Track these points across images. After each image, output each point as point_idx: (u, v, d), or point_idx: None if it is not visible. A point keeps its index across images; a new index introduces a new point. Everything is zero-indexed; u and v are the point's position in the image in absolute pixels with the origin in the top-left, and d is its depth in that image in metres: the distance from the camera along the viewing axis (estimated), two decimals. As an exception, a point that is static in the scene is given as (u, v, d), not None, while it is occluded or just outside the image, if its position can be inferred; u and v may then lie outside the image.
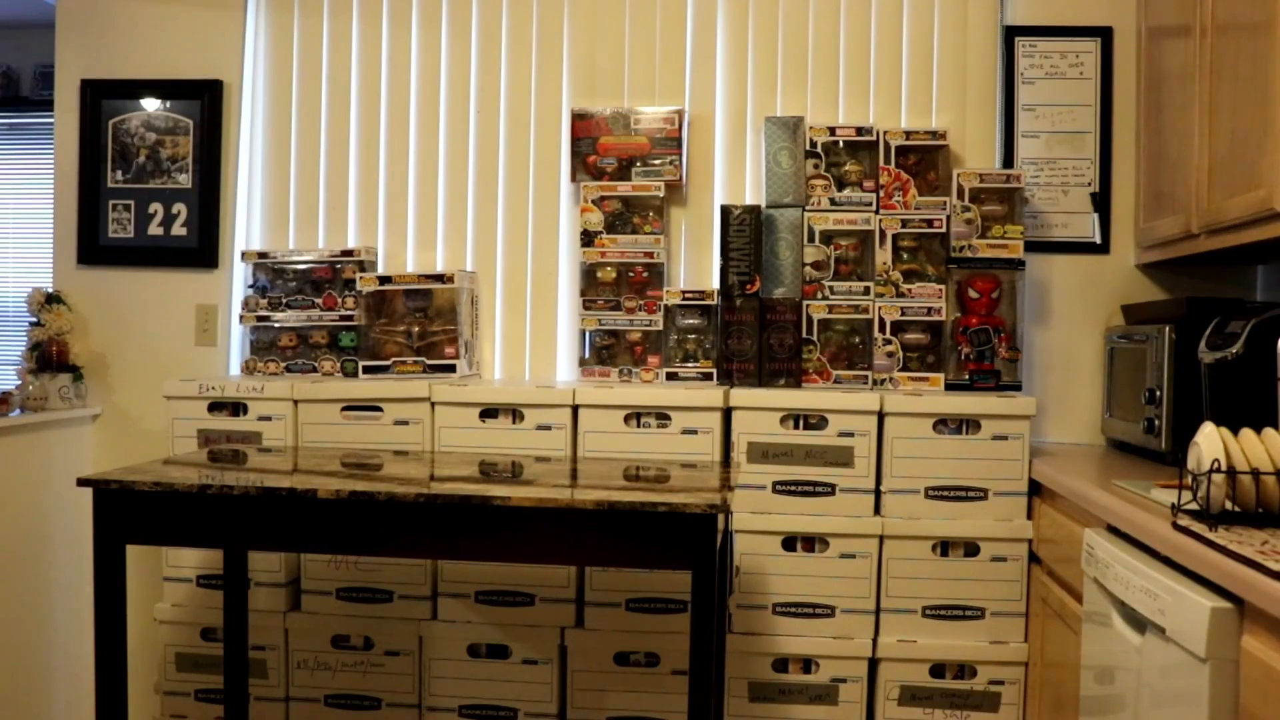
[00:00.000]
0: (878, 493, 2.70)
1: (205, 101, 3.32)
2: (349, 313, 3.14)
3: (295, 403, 2.85)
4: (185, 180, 3.34)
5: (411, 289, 3.12)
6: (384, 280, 3.08)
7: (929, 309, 2.89)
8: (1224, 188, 2.31)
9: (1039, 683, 2.60)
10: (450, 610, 2.79)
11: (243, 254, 3.22)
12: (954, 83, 3.09)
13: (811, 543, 2.70)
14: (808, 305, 2.92)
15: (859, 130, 2.98)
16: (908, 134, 2.96)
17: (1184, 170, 2.56)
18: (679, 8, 3.17)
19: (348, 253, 3.16)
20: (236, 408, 2.87)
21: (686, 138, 3.12)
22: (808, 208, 2.95)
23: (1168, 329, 2.50)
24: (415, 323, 3.12)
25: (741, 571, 2.70)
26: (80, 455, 3.28)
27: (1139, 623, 1.76)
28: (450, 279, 3.07)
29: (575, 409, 2.76)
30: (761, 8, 3.15)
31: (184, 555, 2.89)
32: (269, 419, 2.85)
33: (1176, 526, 1.70)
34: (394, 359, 3.07)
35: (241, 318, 3.20)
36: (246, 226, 3.32)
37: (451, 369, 3.03)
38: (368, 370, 3.07)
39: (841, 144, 3.00)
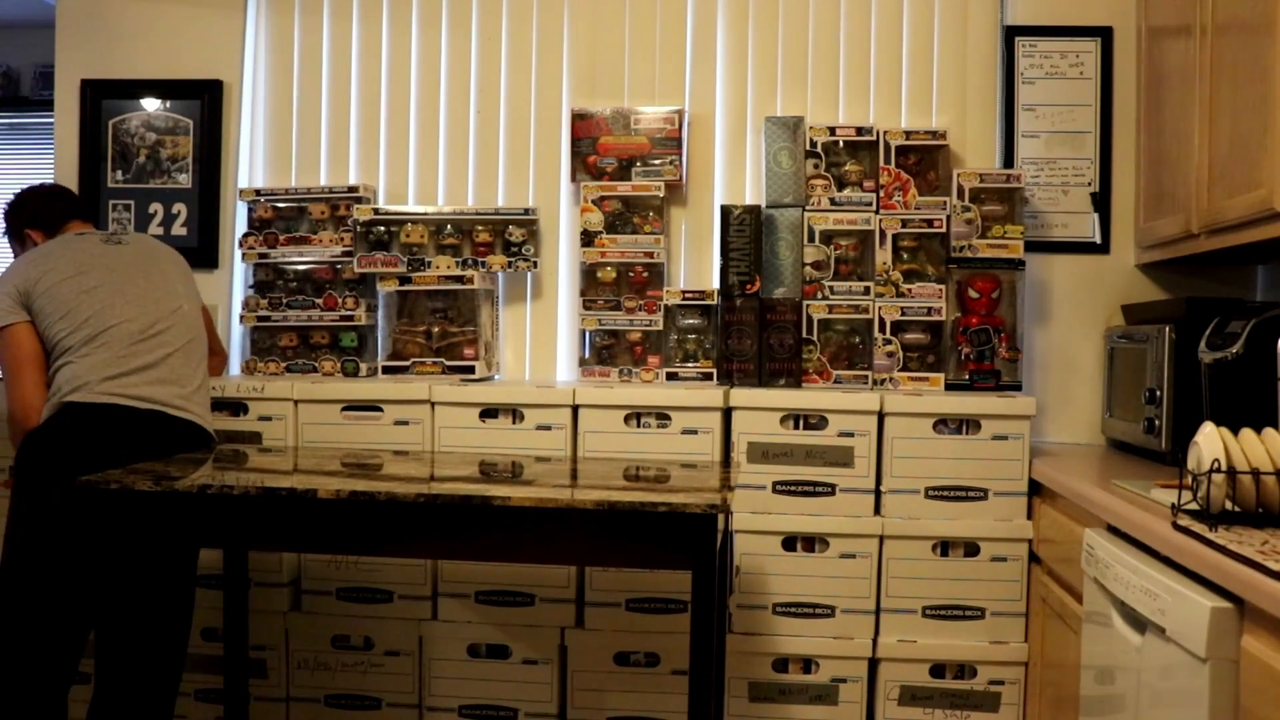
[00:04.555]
0: (878, 493, 2.70)
1: (205, 101, 3.32)
2: (349, 313, 3.14)
3: (295, 403, 2.85)
4: (185, 180, 3.34)
5: (433, 290, 3.12)
6: (404, 280, 3.09)
7: (929, 309, 2.89)
8: (1224, 188, 2.31)
9: (1039, 683, 2.60)
10: (450, 610, 2.79)
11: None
12: (954, 83, 3.09)
13: (811, 543, 2.70)
14: (808, 305, 2.92)
15: (859, 130, 2.98)
16: (908, 134, 2.96)
17: (1184, 170, 2.56)
18: (679, 8, 3.18)
19: (348, 252, 3.16)
20: (236, 408, 2.87)
21: (686, 138, 3.12)
22: (808, 208, 2.95)
23: (1168, 329, 2.50)
24: (436, 323, 3.12)
25: (741, 571, 2.70)
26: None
27: (1139, 623, 1.76)
28: (470, 280, 3.08)
29: (575, 409, 2.76)
30: (761, 8, 3.15)
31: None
32: (269, 419, 2.85)
33: (1176, 526, 1.70)
34: (414, 360, 3.08)
35: (241, 318, 3.20)
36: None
37: (470, 370, 3.03)
38: (388, 370, 3.08)
39: (841, 144, 3.00)
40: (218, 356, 2.93)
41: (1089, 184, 3.05)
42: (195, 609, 2.53)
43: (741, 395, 2.74)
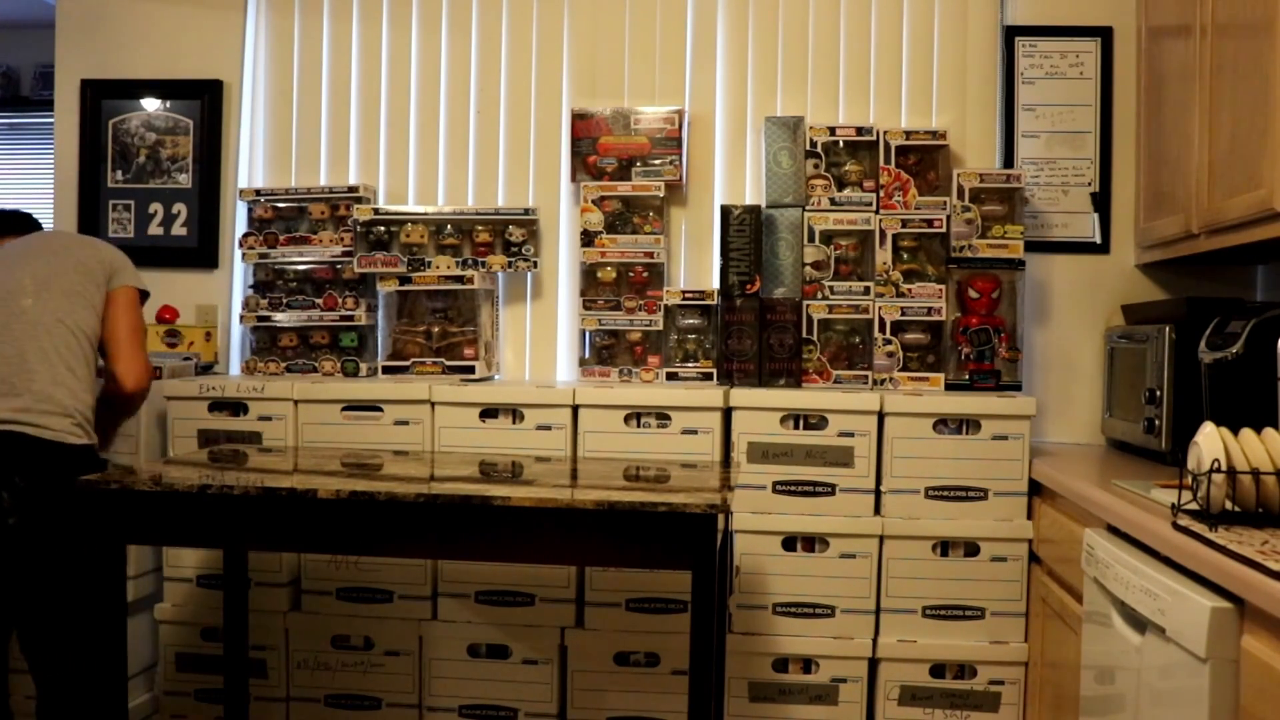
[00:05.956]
0: (878, 493, 2.70)
1: (205, 101, 3.32)
2: (349, 313, 3.14)
3: (295, 403, 2.85)
4: (185, 180, 3.34)
5: (433, 290, 3.12)
6: (404, 280, 3.09)
7: (929, 309, 2.89)
8: (1224, 188, 2.31)
9: (1039, 683, 2.60)
10: (450, 610, 2.79)
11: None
12: (954, 83, 3.09)
13: (811, 543, 2.70)
14: (808, 305, 2.92)
15: (859, 130, 2.98)
16: (908, 134, 2.96)
17: (1184, 170, 2.56)
18: (679, 8, 3.18)
19: (348, 252, 3.16)
20: (237, 408, 2.87)
21: (686, 138, 3.12)
22: (808, 208, 2.95)
23: (1168, 329, 2.50)
24: (436, 324, 3.12)
25: (741, 571, 2.70)
26: (80, 455, 3.27)
27: (1139, 623, 1.76)
28: (470, 280, 3.08)
29: (575, 409, 2.76)
30: (761, 8, 3.15)
31: (184, 555, 2.89)
32: (269, 419, 2.85)
33: (1176, 526, 1.70)
34: (414, 360, 3.08)
35: (241, 318, 3.20)
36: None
37: (470, 370, 3.03)
38: (388, 370, 3.08)
39: (841, 144, 3.00)
40: (120, 371, 2.42)
41: (1089, 184, 3.05)
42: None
43: (741, 395, 2.73)
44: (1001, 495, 2.66)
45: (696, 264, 3.17)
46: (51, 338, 2.33)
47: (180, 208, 3.34)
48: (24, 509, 2.21)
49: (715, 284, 3.07)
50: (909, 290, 2.90)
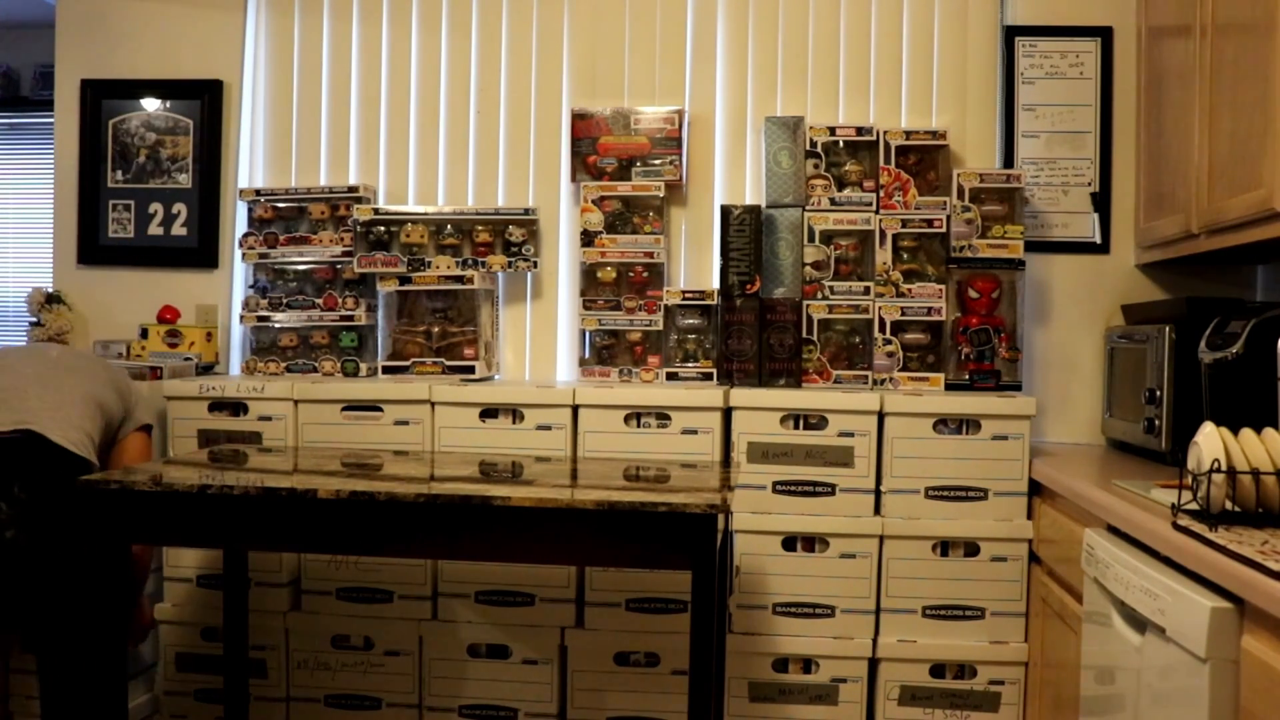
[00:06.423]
0: (878, 493, 2.70)
1: (205, 101, 3.32)
2: (349, 313, 3.14)
3: (295, 403, 2.85)
4: (185, 180, 3.34)
5: (433, 290, 3.12)
6: (404, 280, 3.09)
7: (929, 309, 2.89)
8: (1224, 187, 2.31)
9: (1039, 683, 2.60)
10: (450, 610, 2.79)
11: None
12: (954, 83, 3.09)
13: (811, 543, 2.70)
14: (808, 305, 2.92)
15: (859, 130, 2.98)
16: (908, 134, 2.96)
17: (1184, 170, 2.56)
18: (679, 8, 3.18)
19: (348, 252, 3.16)
20: (237, 408, 2.87)
21: (686, 138, 3.12)
22: (808, 208, 2.95)
23: (1168, 329, 2.50)
24: (436, 324, 3.13)
25: (741, 571, 2.70)
26: (80, 455, 3.27)
27: (1139, 623, 1.76)
28: (470, 280, 3.08)
29: (575, 409, 2.76)
30: (761, 8, 3.15)
31: (184, 555, 2.89)
32: (269, 419, 2.85)
33: (1176, 526, 1.70)
34: (414, 360, 3.08)
35: (242, 318, 3.20)
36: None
37: (470, 370, 3.04)
38: (388, 370, 3.08)
39: (841, 144, 3.00)
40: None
41: (1089, 184, 3.05)
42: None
43: (741, 395, 2.73)
44: (1001, 495, 2.66)
45: (696, 264, 3.17)
46: (69, 376, 2.50)
47: (180, 208, 3.34)
48: (22, 521, 2.22)
49: (715, 284, 3.07)
50: (909, 290, 2.90)
